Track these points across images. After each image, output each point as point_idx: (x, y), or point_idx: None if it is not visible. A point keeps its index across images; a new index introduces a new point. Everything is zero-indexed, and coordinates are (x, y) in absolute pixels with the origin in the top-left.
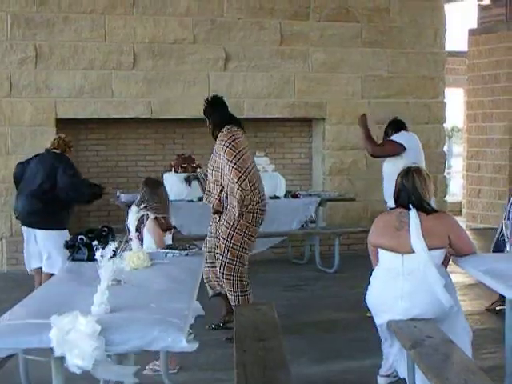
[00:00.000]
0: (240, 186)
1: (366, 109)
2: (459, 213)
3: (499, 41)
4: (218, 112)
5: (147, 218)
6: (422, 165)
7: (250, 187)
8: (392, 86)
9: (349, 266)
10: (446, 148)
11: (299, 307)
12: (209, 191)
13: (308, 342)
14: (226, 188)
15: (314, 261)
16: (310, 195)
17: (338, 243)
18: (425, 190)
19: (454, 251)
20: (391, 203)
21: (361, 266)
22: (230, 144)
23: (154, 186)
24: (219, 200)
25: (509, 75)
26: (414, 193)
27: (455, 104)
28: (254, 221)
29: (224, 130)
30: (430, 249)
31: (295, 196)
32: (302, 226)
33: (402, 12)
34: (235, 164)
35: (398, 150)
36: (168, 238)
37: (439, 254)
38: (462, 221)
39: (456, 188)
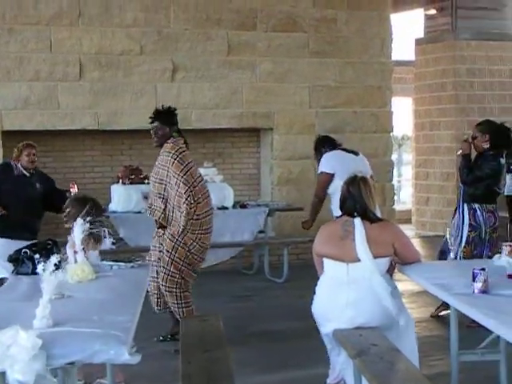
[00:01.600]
0: (186, 199)
1: (313, 118)
2: (409, 221)
3: (445, 50)
4: (174, 123)
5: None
6: None
7: (195, 201)
8: (339, 95)
9: (298, 276)
10: (395, 157)
11: (248, 317)
12: (151, 204)
13: (256, 353)
14: (172, 201)
15: (262, 271)
16: (259, 205)
17: (287, 253)
18: (370, 198)
19: (399, 259)
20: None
21: (310, 275)
22: (177, 157)
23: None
24: (164, 214)
25: (455, 84)
26: (360, 201)
27: (404, 113)
28: (197, 240)
29: (170, 141)
30: (375, 257)
31: (244, 206)
32: None
33: (349, 22)
34: (182, 177)
35: (328, 179)
36: (94, 254)
37: (384, 262)
38: (411, 229)
39: (406, 196)
